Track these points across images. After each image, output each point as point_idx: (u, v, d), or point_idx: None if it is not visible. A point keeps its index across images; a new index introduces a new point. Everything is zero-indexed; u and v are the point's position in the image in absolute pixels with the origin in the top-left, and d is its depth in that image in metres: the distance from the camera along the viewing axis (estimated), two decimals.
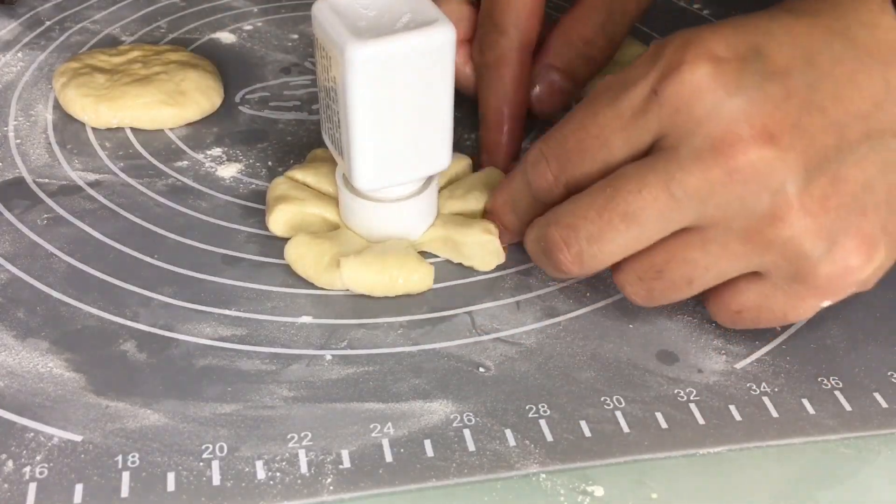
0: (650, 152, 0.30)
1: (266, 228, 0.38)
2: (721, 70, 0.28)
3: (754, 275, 0.30)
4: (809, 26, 0.29)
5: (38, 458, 0.29)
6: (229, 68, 0.49)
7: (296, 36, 0.53)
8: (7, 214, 0.39)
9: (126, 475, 0.28)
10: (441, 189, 0.39)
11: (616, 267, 0.32)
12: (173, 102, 0.44)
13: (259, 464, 0.29)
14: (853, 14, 0.29)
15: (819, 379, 0.33)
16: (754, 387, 0.32)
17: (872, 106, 0.28)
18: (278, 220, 0.37)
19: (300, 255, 0.35)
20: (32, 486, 0.28)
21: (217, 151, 0.43)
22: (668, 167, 0.28)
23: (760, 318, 0.31)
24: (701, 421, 0.31)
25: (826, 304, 0.30)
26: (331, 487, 0.28)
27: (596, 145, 0.30)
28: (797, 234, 0.28)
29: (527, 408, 0.31)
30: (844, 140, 0.28)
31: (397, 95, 0.32)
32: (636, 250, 0.30)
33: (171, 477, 0.28)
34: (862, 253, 0.29)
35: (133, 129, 0.44)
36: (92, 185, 0.41)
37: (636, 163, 0.30)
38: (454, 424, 0.30)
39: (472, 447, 0.30)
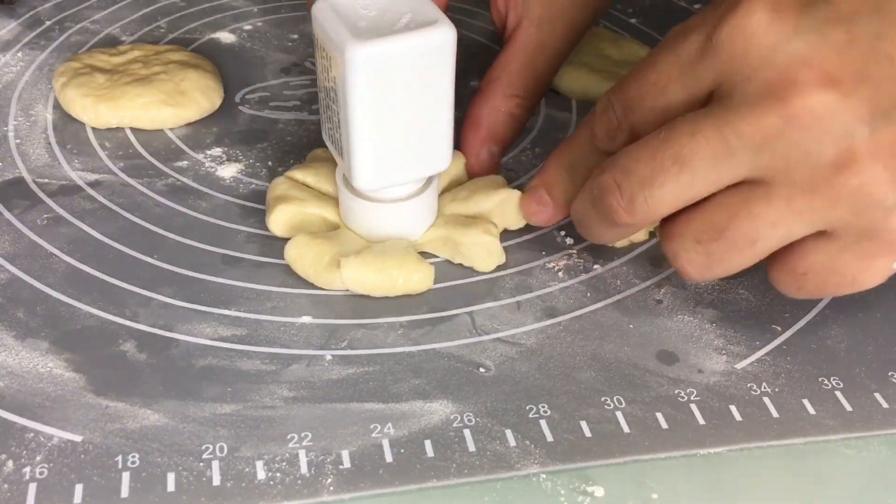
0: (709, 101, 0.29)
1: (266, 228, 0.38)
2: (779, 14, 0.27)
3: (822, 234, 0.29)
4: None
5: (38, 458, 0.29)
6: (229, 68, 0.49)
7: (296, 36, 0.53)
8: (7, 214, 0.38)
9: (126, 475, 0.28)
10: (443, 192, 0.39)
11: (669, 232, 0.30)
12: (173, 102, 0.44)
13: (259, 464, 0.29)
14: None
15: (819, 379, 0.33)
16: (755, 387, 0.32)
17: None
18: (278, 220, 0.37)
19: (300, 255, 0.35)
20: (32, 487, 0.28)
21: (217, 151, 0.43)
22: (722, 113, 0.28)
23: (828, 283, 0.29)
24: (701, 421, 0.31)
25: None
26: (331, 488, 0.28)
27: (654, 92, 0.30)
28: (866, 181, 0.27)
29: (527, 408, 0.31)
30: None
31: (397, 95, 0.32)
32: (689, 199, 0.29)
33: (171, 477, 0.28)
34: None
35: (133, 129, 0.44)
36: (92, 185, 0.40)
37: (693, 112, 0.29)
38: (454, 425, 0.30)
39: (472, 447, 0.30)
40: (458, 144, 0.40)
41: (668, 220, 0.30)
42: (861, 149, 0.27)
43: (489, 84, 0.40)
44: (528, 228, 0.39)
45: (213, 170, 0.42)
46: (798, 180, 0.27)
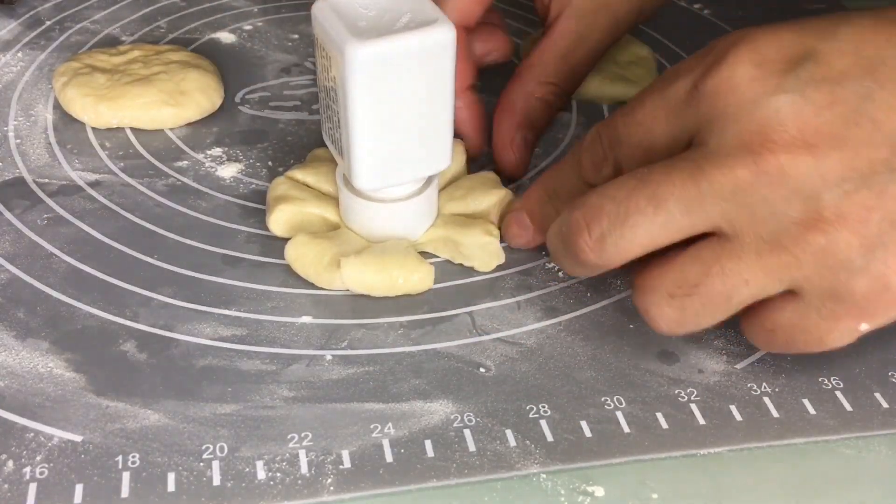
0: (689, 147, 0.29)
1: (266, 228, 0.38)
2: (763, 71, 0.28)
3: (791, 293, 0.28)
4: (881, 34, 0.28)
5: (38, 458, 0.29)
6: (229, 68, 0.49)
7: (296, 36, 0.53)
8: (7, 214, 0.38)
9: (126, 475, 0.28)
10: (440, 190, 0.39)
11: (641, 285, 0.30)
12: (173, 102, 0.44)
13: (259, 464, 0.29)
14: None
15: (820, 379, 0.33)
16: (755, 387, 0.32)
17: None
18: (278, 220, 0.37)
19: (300, 255, 0.35)
20: (32, 487, 0.28)
21: (217, 151, 0.43)
22: (698, 159, 0.28)
23: (796, 340, 0.29)
24: (701, 421, 0.31)
25: (864, 327, 0.28)
26: (331, 488, 0.28)
27: (641, 131, 0.30)
28: (831, 243, 0.27)
29: (527, 408, 0.31)
30: None
31: (397, 95, 0.32)
32: (660, 243, 0.29)
33: (171, 477, 0.28)
34: None
35: (133, 129, 0.44)
36: (92, 185, 0.40)
37: (677, 156, 0.29)
38: (454, 425, 0.30)
39: (472, 447, 0.30)
40: (490, 132, 0.40)
41: (639, 274, 0.30)
42: (829, 211, 0.27)
43: (525, 70, 0.40)
44: None
45: (214, 170, 0.42)
46: (765, 236, 0.27)
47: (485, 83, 0.42)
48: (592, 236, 0.29)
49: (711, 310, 0.29)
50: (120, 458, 0.29)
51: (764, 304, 0.29)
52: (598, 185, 0.30)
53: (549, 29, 0.41)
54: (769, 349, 0.31)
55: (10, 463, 0.28)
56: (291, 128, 0.45)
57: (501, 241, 0.37)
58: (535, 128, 0.40)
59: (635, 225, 0.28)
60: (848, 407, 0.32)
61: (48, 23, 0.53)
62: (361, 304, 0.35)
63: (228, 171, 0.42)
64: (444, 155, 0.35)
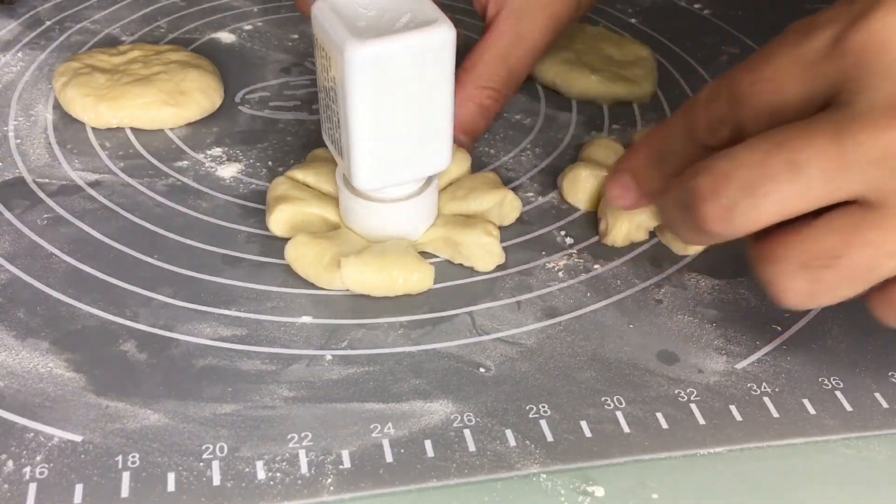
0: (826, 107, 0.26)
1: (266, 228, 0.38)
2: None
3: None
4: None
5: (38, 458, 0.29)
6: (229, 68, 0.49)
7: (296, 36, 0.53)
8: (7, 214, 0.38)
9: (126, 475, 0.28)
10: (441, 190, 0.39)
11: (768, 254, 0.27)
12: (173, 102, 0.44)
13: (259, 464, 0.29)
14: None
15: (820, 379, 0.33)
16: (755, 387, 0.32)
17: None
18: (278, 220, 0.37)
19: (300, 255, 0.35)
20: (32, 487, 0.28)
21: (217, 151, 0.43)
22: (842, 120, 0.25)
23: None
24: (701, 421, 0.31)
25: None
26: (331, 488, 0.28)
27: (769, 88, 0.27)
28: None
29: (527, 408, 0.31)
30: None
31: (397, 95, 0.32)
32: (794, 213, 0.26)
33: (171, 477, 0.28)
34: None
35: (133, 129, 0.44)
36: (92, 185, 0.40)
37: (814, 116, 0.26)
38: (454, 425, 0.30)
39: (472, 447, 0.30)
40: None
41: (764, 241, 0.28)
42: None
43: (462, 74, 0.39)
44: (527, 229, 0.39)
45: (214, 170, 0.42)
46: None
47: None
48: (720, 205, 0.27)
49: (850, 283, 0.27)
50: (120, 458, 0.29)
51: None
52: (718, 149, 0.28)
53: (487, 30, 0.40)
54: None
55: (10, 463, 0.28)
56: (291, 128, 0.45)
57: (502, 239, 0.37)
58: (470, 131, 0.40)
59: (769, 193, 0.26)
60: (848, 407, 0.32)
61: (48, 23, 0.53)
62: (361, 304, 0.35)
63: (228, 171, 0.42)
64: (443, 155, 0.35)
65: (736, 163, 0.26)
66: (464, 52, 0.38)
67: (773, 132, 0.26)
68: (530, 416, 0.31)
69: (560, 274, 0.37)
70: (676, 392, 0.32)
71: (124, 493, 0.28)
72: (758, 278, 0.28)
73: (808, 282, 0.27)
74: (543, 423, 0.31)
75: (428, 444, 0.30)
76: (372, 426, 0.30)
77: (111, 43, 0.51)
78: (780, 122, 0.27)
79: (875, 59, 0.25)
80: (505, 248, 0.37)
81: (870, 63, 0.25)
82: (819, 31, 0.27)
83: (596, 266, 0.37)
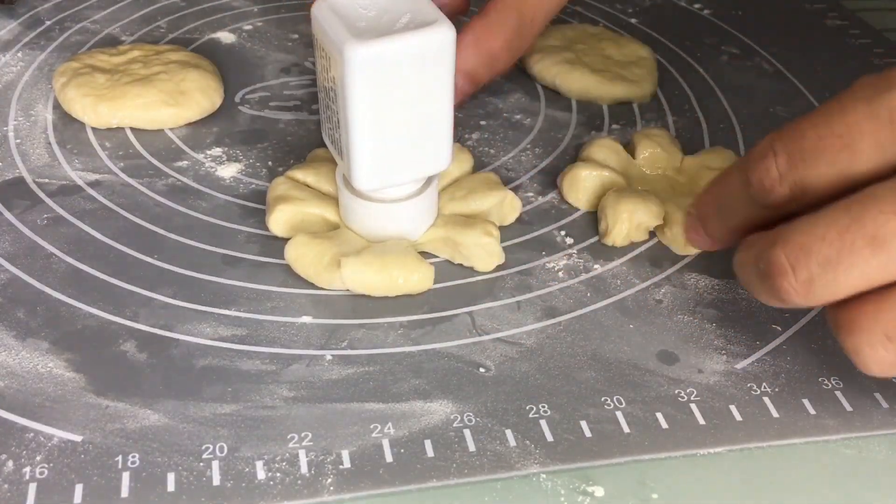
0: None
1: (266, 228, 0.38)
2: None
3: None
4: None
5: (38, 458, 0.29)
6: (229, 68, 0.49)
7: (296, 36, 0.53)
8: (7, 214, 0.38)
9: (126, 475, 0.28)
10: (441, 190, 0.39)
11: (851, 324, 0.26)
12: (173, 102, 0.44)
13: (259, 464, 0.29)
14: None
15: (820, 379, 0.33)
16: (755, 387, 0.32)
17: None
18: (278, 220, 0.37)
19: (300, 255, 0.35)
20: (32, 487, 0.28)
21: (217, 151, 0.43)
22: None
23: None
24: (701, 421, 0.31)
25: None
26: (331, 488, 0.28)
27: (838, 146, 0.26)
28: None
29: (527, 408, 0.31)
30: None
31: (397, 95, 0.32)
32: (876, 284, 0.25)
33: (171, 477, 0.28)
34: None
35: (133, 129, 0.44)
36: (92, 185, 0.40)
37: (891, 181, 0.25)
38: (454, 425, 0.30)
39: (472, 447, 0.30)
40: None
41: (844, 309, 0.27)
42: None
43: (474, 18, 0.40)
44: (527, 229, 0.39)
45: (213, 170, 0.42)
46: None
47: None
48: (799, 279, 0.26)
49: None
50: (120, 458, 0.29)
51: None
52: (778, 207, 0.27)
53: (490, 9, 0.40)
54: None
55: (10, 463, 0.28)
56: (291, 128, 0.45)
57: (502, 239, 0.37)
58: (475, 79, 0.40)
59: (850, 268, 0.25)
60: (848, 407, 0.32)
61: (48, 23, 0.53)
62: (361, 304, 0.35)
63: (228, 171, 0.42)
64: (443, 155, 0.35)
65: (814, 237, 0.25)
66: None
67: (850, 202, 0.25)
68: (530, 416, 0.31)
69: (560, 274, 0.37)
70: (676, 392, 0.32)
71: (124, 493, 0.28)
72: (840, 345, 0.27)
73: (893, 352, 0.26)
74: (543, 423, 0.31)
75: (428, 444, 0.30)
76: (372, 426, 0.30)
77: (111, 43, 0.51)
78: (849, 182, 0.26)
79: None
80: (505, 248, 0.37)
81: None
82: None
83: (596, 266, 0.37)
